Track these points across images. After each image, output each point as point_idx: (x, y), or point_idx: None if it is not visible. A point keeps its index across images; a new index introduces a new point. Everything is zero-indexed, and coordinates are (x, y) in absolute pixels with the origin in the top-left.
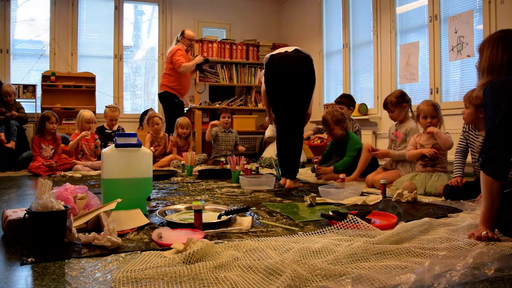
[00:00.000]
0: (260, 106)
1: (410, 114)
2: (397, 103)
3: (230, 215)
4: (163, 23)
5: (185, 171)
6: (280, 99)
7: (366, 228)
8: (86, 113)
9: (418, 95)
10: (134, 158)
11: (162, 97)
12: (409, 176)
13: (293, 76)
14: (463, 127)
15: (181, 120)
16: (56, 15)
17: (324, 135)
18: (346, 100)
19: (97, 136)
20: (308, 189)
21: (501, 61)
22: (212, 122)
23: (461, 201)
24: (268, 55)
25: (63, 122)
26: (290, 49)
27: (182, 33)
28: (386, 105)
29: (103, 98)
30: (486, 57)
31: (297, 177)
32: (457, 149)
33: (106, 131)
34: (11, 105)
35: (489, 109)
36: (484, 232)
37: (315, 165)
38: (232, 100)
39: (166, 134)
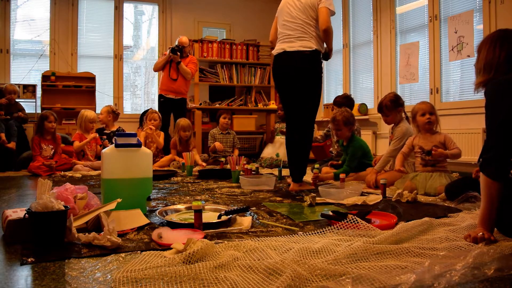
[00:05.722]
0: (260, 106)
1: (403, 115)
2: (393, 107)
3: (230, 215)
4: (163, 23)
5: (185, 171)
6: (283, 96)
7: (366, 228)
8: (88, 113)
9: (418, 95)
10: (134, 158)
11: None
12: (410, 176)
13: (290, 73)
14: None
15: (182, 122)
16: (56, 15)
17: None
18: (344, 101)
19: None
20: (308, 189)
21: (499, 59)
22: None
23: (464, 203)
24: (274, 51)
25: (63, 122)
26: (291, 47)
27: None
28: (381, 109)
29: (103, 98)
30: (484, 55)
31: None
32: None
33: (105, 131)
34: (11, 105)
35: (489, 108)
36: (480, 233)
37: (316, 169)
38: (232, 100)
39: (161, 132)
